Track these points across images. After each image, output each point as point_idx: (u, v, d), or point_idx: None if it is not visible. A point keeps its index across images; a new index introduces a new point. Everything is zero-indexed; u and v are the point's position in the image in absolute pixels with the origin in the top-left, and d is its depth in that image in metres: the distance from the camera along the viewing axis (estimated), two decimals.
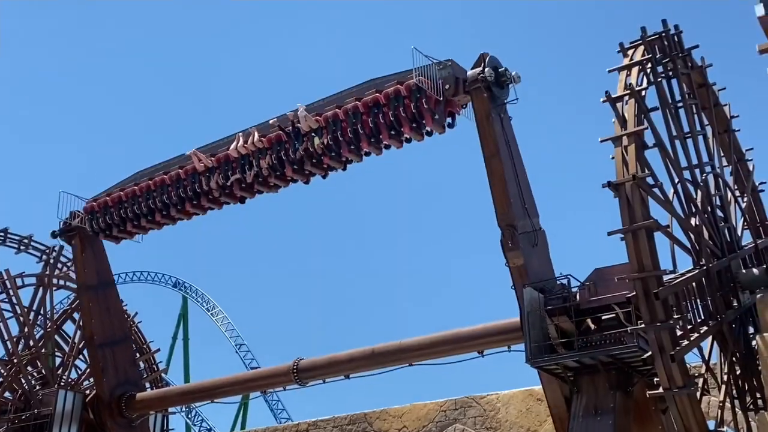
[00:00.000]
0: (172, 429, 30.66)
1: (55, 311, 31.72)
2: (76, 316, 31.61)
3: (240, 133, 25.16)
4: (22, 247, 31.84)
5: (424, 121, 21.82)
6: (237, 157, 25.09)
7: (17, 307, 30.40)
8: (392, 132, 22.33)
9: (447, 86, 21.16)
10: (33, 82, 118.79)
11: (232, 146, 25.15)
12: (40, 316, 31.19)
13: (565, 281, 19.24)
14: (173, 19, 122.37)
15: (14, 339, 30.07)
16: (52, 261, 31.60)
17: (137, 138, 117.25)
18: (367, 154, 23.45)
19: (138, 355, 30.93)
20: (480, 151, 20.91)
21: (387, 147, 23.16)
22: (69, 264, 31.87)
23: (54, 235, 29.50)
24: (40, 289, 31.16)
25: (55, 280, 31.56)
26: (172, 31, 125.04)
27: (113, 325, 28.86)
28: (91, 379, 29.91)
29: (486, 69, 20.82)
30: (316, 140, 23.40)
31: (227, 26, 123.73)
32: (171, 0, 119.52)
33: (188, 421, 56.06)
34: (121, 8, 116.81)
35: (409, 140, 22.69)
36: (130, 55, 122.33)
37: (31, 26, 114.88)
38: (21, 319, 30.47)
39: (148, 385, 30.73)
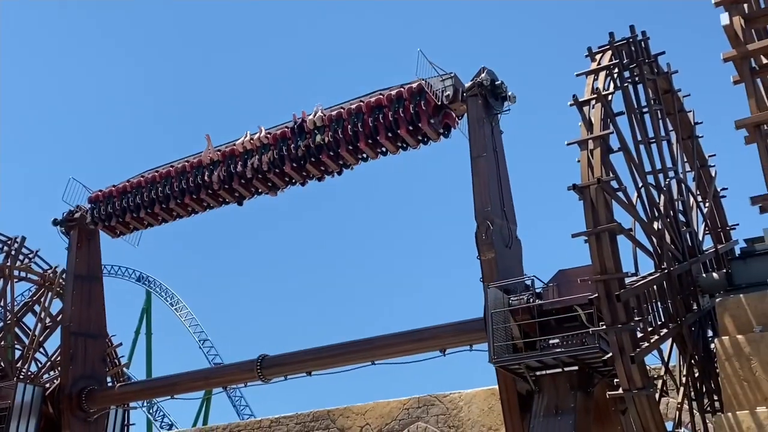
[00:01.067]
0: (133, 424, 30.39)
1: (15, 303, 31.28)
2: (37, 308, 31.23)
3: (249, 131, 25.61)
4: None
5: (420, 124, 22.41)
6: (242, 152, 25.49)
7: None
8: (389, 134, 22.98)
9: (447, 93, 22.02)
10: (52, 80, 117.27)
11: (239, 141, 25.67)
12: None
13: (529, 282, 19.46)
14: (194, 24, 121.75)
15: None
16: (13, 252, 31.10)
17: (160, 139, 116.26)
18: (365, 159, 24.02)
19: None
20: (467, 166, 21.36)
21: (384, 153, 23.84)
22: (31, 256, 31.50)
23: (55, 222, 29.36)
24: (1, 281, 30.66)
25: (16, 272, 31.09)
26: (184, 40, 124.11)
27: (90, 319, 28.62)
28: (51, 373, 29.56)
29: (483, 75, 21.72)
30: (318, 137, 23.96)
31: (254, 31, 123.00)
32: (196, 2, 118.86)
33: (149, 416, 55.65)
34: (153, 6, 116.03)
35: (405, 147, 23.37)
36: (161, 60, 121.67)
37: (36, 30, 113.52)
38: None
39: (109, 379, 30.37)
